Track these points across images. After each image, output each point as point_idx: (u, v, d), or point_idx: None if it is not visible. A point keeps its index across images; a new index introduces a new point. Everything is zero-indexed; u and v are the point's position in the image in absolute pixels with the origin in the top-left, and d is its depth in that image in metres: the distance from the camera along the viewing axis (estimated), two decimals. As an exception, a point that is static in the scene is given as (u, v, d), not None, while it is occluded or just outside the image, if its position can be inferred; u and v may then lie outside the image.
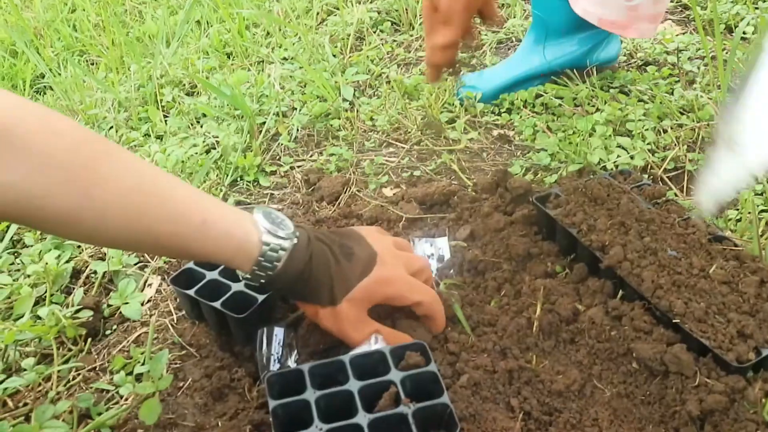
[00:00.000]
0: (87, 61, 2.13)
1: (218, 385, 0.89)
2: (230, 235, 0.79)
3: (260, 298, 0.94)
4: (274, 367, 0.90)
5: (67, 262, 1.15)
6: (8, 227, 1.22)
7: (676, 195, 1.15)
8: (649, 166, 1.22)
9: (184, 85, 1.74)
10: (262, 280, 0.82)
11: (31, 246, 1.20)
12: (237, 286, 0.97)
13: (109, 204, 0.70)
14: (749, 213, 1.06)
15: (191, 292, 0.96)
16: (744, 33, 1.59)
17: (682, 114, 1.34)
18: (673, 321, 0.85)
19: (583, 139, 1.28)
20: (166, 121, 1.58)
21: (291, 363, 0.91)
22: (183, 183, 0.80)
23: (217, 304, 0.94)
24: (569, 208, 1.03)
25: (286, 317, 0.98)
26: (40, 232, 1.22)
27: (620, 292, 0.94)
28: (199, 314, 1.00)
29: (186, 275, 1.00)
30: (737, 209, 1.10)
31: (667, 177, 1.20)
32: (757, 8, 1.70)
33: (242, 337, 0.96)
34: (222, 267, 1.00)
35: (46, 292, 1.09)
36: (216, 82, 1.61)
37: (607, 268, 0.94)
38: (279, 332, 0.94)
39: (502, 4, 1.87)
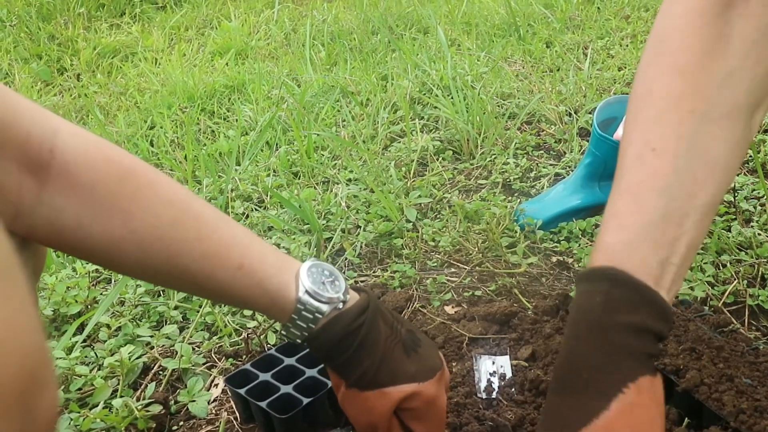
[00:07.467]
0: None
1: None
2: (264, 287, 0.75)
3: (305, 400, 0.96)
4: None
5: (138, 357, 1.19)
6: (84, 326, 1.28)
7: (738, 327, 1.15)
8: (708, 298, 1.24)
9: (253, 199, 1.83)
10: (298, 340, 0.79)
11: (105, 341, 1.25)
12: (285, 388, 0.99)
13: (146, 237, 0.70)
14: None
15: (242, 391, 0.99)
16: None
17: (740, 250, 1.37)
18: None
19: (643, 269, 1.30)
20: (235, 231, 1.65)
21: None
22: (229, 221, 0.77)
23: (263, 404, 0.96)
24: (634, 333, 1.04)
25: (336, 420, 0.99)
26: (113, 328, 1.27)
27: (685, 420, 0.93)
28: (250, 415, 1.02)
29: (241, 376, 1.03)
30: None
31: (728, 310, 1.21)
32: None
33: (286, 439, 0.97)
34: (276, 369, 1.03)
35: (118, 384, 1.13)
36: (285, 197, 1.70)
37: (684, 392, 0.93)
38: (337, 437, 0.96)
39: (560, 139, 1.95)
